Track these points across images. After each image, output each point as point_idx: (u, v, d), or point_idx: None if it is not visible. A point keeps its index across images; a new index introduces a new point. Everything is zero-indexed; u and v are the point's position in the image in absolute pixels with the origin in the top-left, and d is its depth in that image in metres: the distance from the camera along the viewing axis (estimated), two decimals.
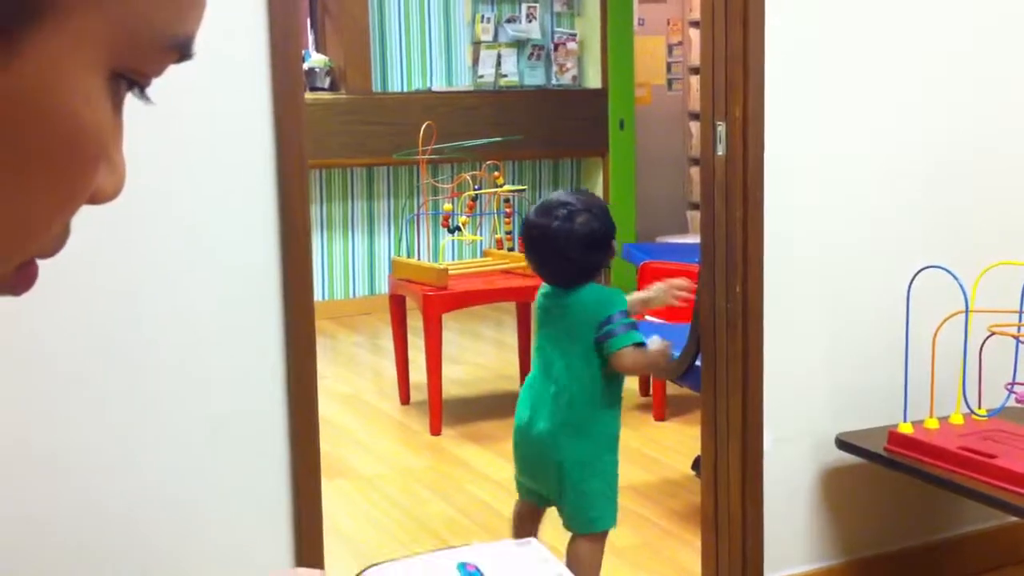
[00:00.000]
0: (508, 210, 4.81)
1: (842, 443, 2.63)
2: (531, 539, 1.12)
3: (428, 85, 6.72)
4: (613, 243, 2.59)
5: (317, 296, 4.03)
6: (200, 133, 2.13)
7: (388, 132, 6.21)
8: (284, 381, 2.22)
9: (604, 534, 2.60)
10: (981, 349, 2.52)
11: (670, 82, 7.86)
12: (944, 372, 2.50)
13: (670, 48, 7.84)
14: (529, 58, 6.94)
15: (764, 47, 2.52)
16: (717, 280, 2.62)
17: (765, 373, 2.61)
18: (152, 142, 1.96)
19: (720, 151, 2.57)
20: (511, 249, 4.74)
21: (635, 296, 2.78)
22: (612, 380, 2.56)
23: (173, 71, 0.45)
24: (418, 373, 4.55)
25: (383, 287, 6.47)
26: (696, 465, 3.54)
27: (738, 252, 2.56)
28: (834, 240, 2.68)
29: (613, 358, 2.50)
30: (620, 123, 6.94)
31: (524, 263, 3.75)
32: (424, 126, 4.81)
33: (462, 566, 0.99)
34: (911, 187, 2.76)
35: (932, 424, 2.53)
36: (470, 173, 4.96)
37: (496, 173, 4.74)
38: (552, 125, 6.73)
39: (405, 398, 4.70)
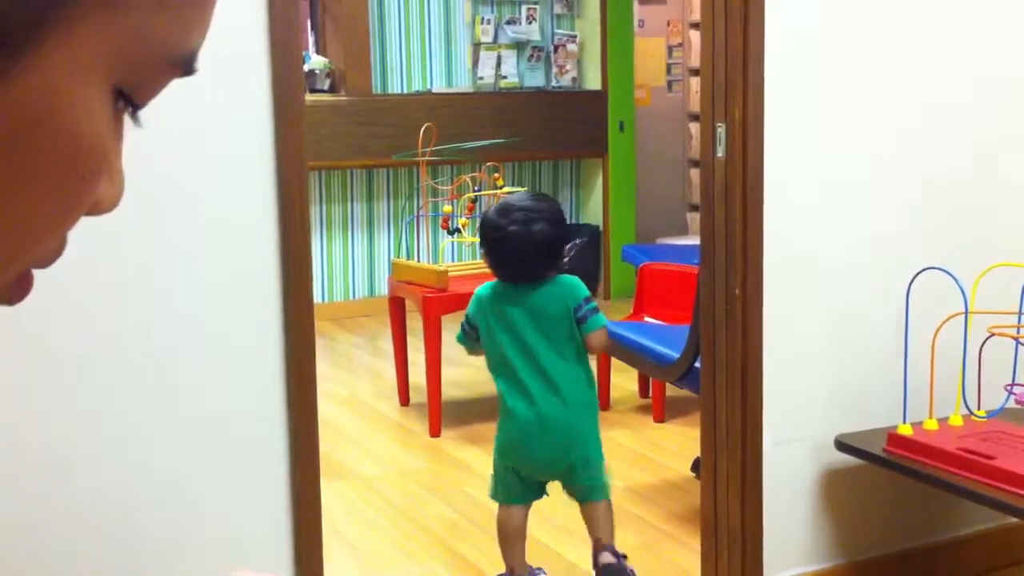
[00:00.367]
0: None
1: (841, 444, 2.63)
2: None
3: (428, 87, 6.72)
4: (566, 249, 2.83)
5: (317, 298, 4.03)
6: (200, 134, 2.13)
7: (388, 134, 6.21)
8: (284, 383, 2.22)
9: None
10: (980, 350, 2.52)
11: (670, 84, 7.87)
12: (943, 373, 2.50)
13: (670, 50, 7.84)
14: (529, 60, 6.94)
15: (764, 48, 2.52)
16: (717, 282, 2.62)
17: (764, 374, 2.61)
18: (152, 143, 1.96)
19: (720, 152, 2.57)
20: None
21: None
22: (586, 358, 2.81)
23: None
24: (417, 375, 4.55)
25: (383, 289, 6.47)
26: (696, 467, 3.53)
27: (738, 253, 2.56)
28: (834, 242, 2.68)
29: (593, 337, 2.76)
30: (620, 125, 6.94)
31: None
32: (424, 128, 4.81)
33: None
34: (911, 188, 2.76)
35: (931, 425, 2.53)
36: (470, 175, 4.96)
37: (496, 175, 4.74)
38: (552, 127, 6.73)
39: (404, 400, 4.69)
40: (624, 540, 3.22)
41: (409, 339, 4.65)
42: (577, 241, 6.63)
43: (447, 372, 4.41)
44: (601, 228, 7.01)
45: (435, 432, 4.28)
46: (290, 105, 2.17)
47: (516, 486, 2.80)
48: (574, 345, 2.76)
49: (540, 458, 2.77)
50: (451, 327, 4.65)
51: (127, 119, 0.45)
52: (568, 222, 3.73)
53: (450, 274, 4.38)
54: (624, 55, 6.93)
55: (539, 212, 2.78)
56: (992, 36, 2.84)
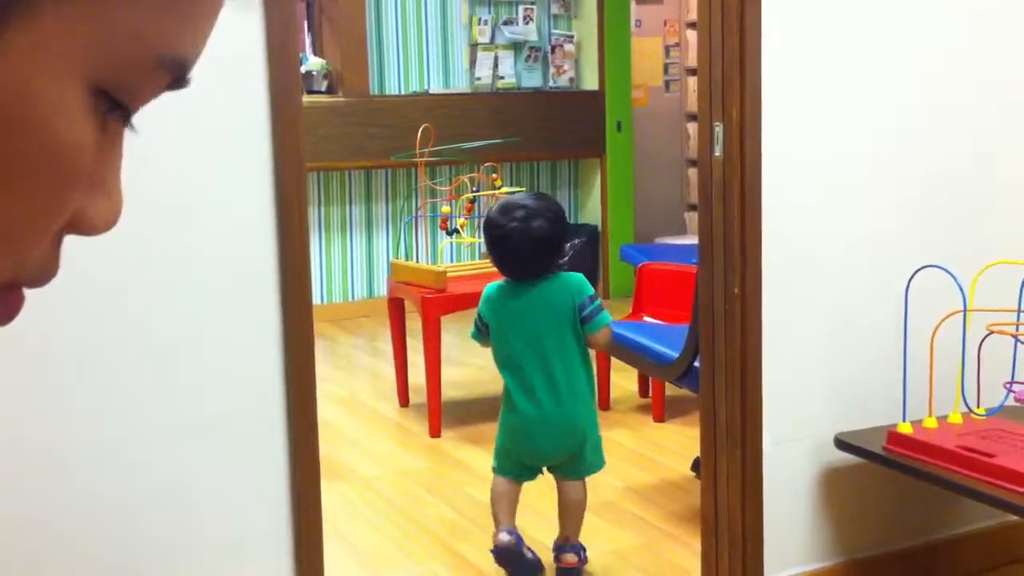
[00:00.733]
0: None
1: (841, 443, 2.63)
2: None
3: (425, 87, 6.72)
4: (566, 247, 2.97)
5: (315, 299, 4.03)
6: (197, 136, 2.13)
7: (386, 135, 6.21)
8: (283, 384, 2.22)
9: None
10: (980, 348, 2.52)
11: (667, 83, 7.87)
12: (943, 371, 2.50)
13: (667, 49, 7.85)
14: (526, 60, 6.94)
15: (761, 48, 2.52)
16: (715, 281, 2.62)
17: (764, 373, 2.61)
18: (149, 145, 1.96)
19: (718, 152, 2.57)
20: None
21: None
22: (588, 354, 2.93)
23: None
24: (417, 375, 4.55)
25: (382, 290, 6.47)
26: (696, 466, 3.54)
27: (736, 253, 2.56)
28: (832, 240, 2.68)
29: (598, 335, 2.87)
30: (617, 125, 6.95)
31: None
32: (422, 128, 4.81)
33: None
34: (909, 187, 2.77)
35: (931, 423, 2.53)
36: (468, 175, 4.96)
37: (494, 175, 4.74)
38: (550, 127, 6.73)
39: (404, 400, 4.69)
40: (624, 540, 3.23)
41: (408, 340, 4.65)
42: (576, 241, 6.63)
43: (447, 372, 4.41)
44: (599, 228, 7.01)
45: (435, 432, 4.28)
46: (287, 106, 2.17)
47: (515, 467, 2.95)
48: (576, 341, 2.86)
49: (543, 451, 2.91)
50: (450, 327, 4.65)
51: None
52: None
53: (449, 275, 4.38)
54: (621, 55, 6.93)
55: (539, 210, 2.87)
56: (991, 34, 2.84)
